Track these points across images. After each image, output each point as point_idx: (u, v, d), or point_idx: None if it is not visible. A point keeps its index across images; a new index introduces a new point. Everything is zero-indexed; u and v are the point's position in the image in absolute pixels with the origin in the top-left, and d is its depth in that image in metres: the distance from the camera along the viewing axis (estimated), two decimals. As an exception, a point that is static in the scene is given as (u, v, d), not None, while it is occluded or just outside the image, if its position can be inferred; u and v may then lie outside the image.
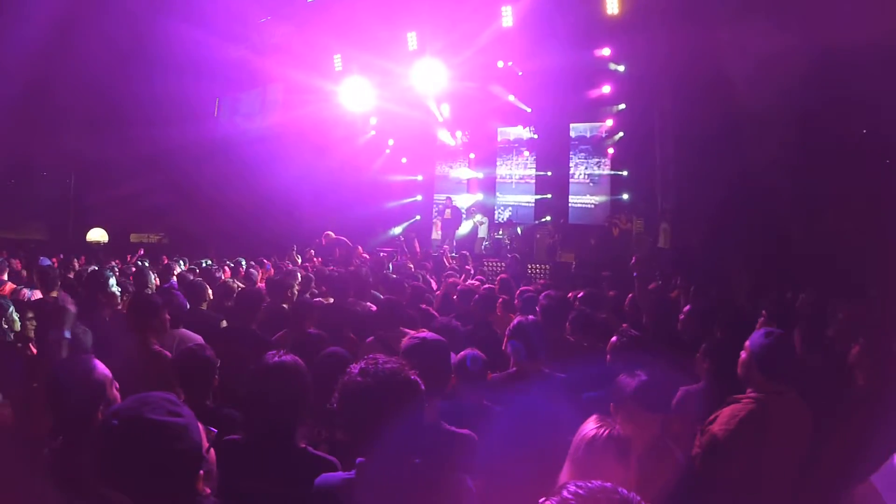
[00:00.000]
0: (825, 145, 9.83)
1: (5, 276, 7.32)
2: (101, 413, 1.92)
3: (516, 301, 6.13)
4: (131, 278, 7.31)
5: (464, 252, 12.78)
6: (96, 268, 8.33)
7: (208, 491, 1.68)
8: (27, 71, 15.66)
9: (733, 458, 2.95)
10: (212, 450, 1.80)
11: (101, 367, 2.50)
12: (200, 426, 1.69)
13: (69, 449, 2.27)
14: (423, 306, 5.92)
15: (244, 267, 9.60)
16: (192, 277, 7.05)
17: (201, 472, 1.61)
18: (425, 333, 2.99)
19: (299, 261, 11.74)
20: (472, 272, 10.34)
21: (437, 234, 18.87)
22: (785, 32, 9.13)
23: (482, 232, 17.63)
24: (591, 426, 2.34)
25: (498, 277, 8.28)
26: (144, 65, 17.10)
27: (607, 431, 2.28)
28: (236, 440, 2.55)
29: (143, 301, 4.36)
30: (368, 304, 6.14)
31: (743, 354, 3.19)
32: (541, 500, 2.29)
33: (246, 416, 2.69)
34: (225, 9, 16.42)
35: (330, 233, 13.29)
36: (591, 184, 18.14)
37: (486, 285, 6.83)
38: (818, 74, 9.30)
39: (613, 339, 3.79)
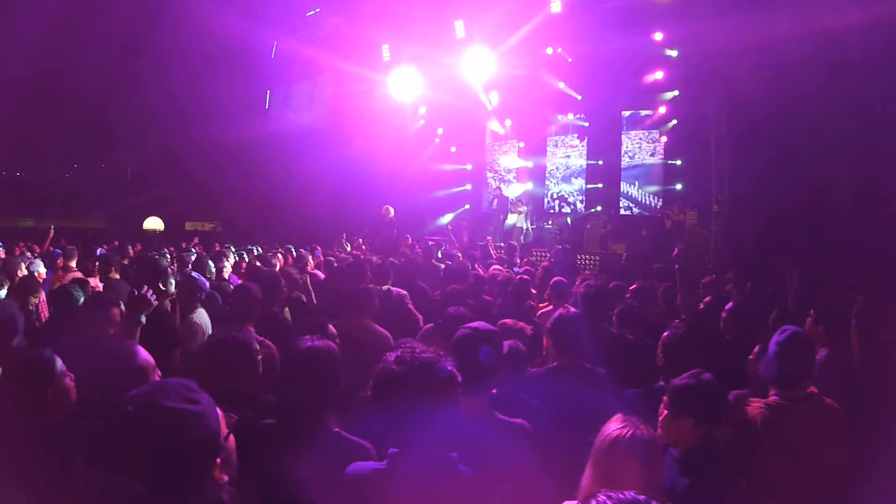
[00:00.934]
0: (883, 137, 9.30)
1: (73, 264, 7.53)
2: None
3: (547, 292, 6.06)
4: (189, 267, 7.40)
5: (511, 242, 12.68)
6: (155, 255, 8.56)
7: (226, 479, 1.66)
8: (82, 68, 16.27)
9: (743, 462, 2.85)
10: (231, 437, 1.78)
11: (144, 354, 2.51)
12: (220, 413, 1.67)
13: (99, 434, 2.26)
14: (486, 297, 5.90)
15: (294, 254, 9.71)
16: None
17: (218, 460, 1.59)
18: (478, 324, 2.94)
19: (348, 248, 11.86)
20: (519, 262, 10.26)
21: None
22: (845, 12, 8.68)
23: (520, 222, 17.37)
24: (613, 426, 2.23)
25: (541, 265, 8.19)
26: (197, 60, 17.53)
27: (630, 432, 2.16)
28: (271, 424, 2.57)
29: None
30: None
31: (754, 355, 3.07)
32: None
33: (279, 400, 2.70)
34: (275, 3, 16.68)
35: (389, 207, 13.37)
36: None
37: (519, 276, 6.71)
38: (876, 57, 8.81)
39: (665, 334, 3.64)
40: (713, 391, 2.73)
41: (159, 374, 2.54)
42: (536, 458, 2.65)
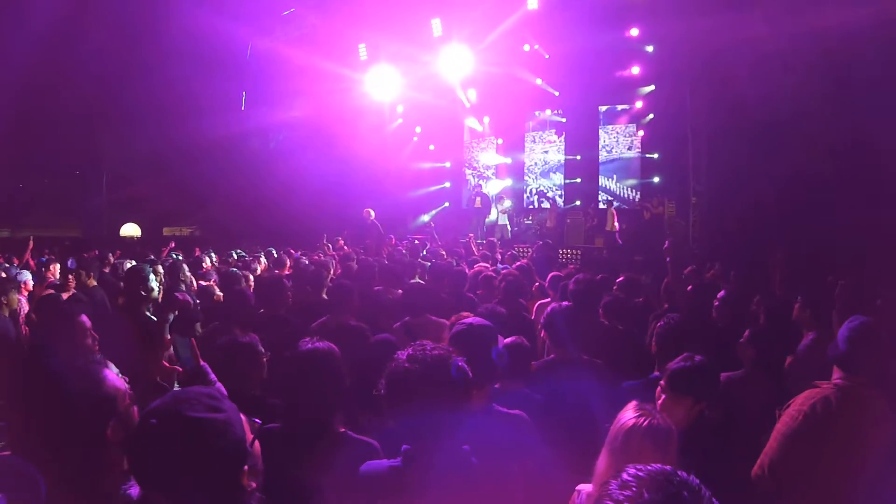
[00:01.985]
0: (864, 126, 9.50)
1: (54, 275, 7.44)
2: (111, 429, 1.79)
3: (535, 286, 6.11)
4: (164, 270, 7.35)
5: (491, 239, 12.73)
6: (134, 262, 8.44)
7: (254, 485, 1.63)
8: (56, 70, 15.98)
9: (802, 440, 2.88)
10: (256, 443, 1.76)
11: (113, 378, 2.36)
12: (244, 418, 1.62)
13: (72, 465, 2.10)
14: (470, 294, 5.92)
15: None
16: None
17: (245, 467, 1.54)
18: (472, 319, 2.97)
19: (330, 249, 11.81)
20: (501, 259, 10.29)
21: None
22: (818, 7, 8.85)
23: (502, 219, 17.46)
24: (629, 414, 2.23)
25: (515, 265, 8.21)
26: (173, 60, 17.31)
27: (647, 421, 2.18)
28: (276, 428, 2.57)
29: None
30: (400, 291, 6.15)
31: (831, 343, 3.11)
32: (579, 487, 2.29)
33: (284, 403, 2.70)
34: (251, 2, 16.53)
35: (370, 210, 13.34)
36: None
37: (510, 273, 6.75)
38: (852, 52, 9.00)
39: (659, 323, 3.70)
40: (708, 370, 2.85)
41: (130, 397, 2.38)
42: (540, 447, 2.71)
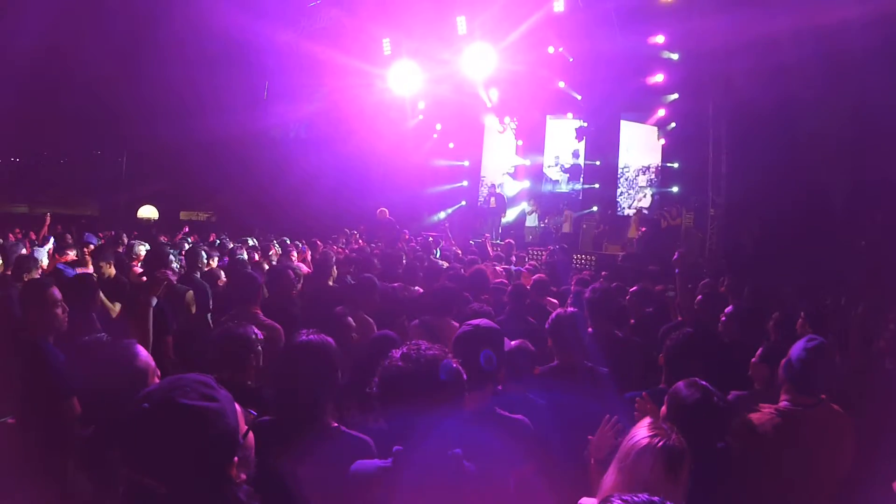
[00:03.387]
0: (882, 140, 9.32)
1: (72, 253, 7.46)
2: None
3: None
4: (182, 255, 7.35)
5: (509, 240, 12.67)
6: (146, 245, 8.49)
7: (243, 477, 1.62)
8: (80, 55, 16.17)
9: (751, 467, 2.84)
10: (251, 434, 1.76)
11: (145, 355, 2.45)
12: (239, 409, 1.63)
13: (101, 439, 2.23)
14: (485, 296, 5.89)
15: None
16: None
17: (235, 458, 1.55)
18: (479, 321, 2.93)
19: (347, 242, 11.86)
20: (515, 260, 10.24)
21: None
22: (845, 14, 8.70)
23: (531, 221, 17.40)
24: (643, 433, 2.13)
25: (524, 268, 8.17)
26: (195, 51, 17.43)
27: (661, 442, 2.07)
28: (268, 421, 2.55)
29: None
30: (417, 288, 6.14)
31: (783, 361, 3.06)
32: (582, 501, 2.24)
33: (276, 395, 2.67)
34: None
35: (384, 209, 13.35)
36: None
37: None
38: (875, 57, 8.84)
39: (668, 337, 3.62)
40: (714, 408, 2.60)
41: (159, 374, 2.48)
42: (539, 454, 2.66)
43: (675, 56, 14.38)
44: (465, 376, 2.14)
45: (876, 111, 9.24)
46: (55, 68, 16.73)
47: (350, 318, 4.12)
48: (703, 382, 2.69)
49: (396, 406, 2.05)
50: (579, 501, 2.25)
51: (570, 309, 4.01)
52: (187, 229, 11.68)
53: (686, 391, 2.62)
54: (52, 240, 8.30)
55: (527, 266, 7.91)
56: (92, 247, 7.22)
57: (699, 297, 5.13)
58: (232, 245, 9.37)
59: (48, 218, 9.52)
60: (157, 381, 2.40)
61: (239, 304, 4.43)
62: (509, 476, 2.22)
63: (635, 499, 1.21)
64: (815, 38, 9.19)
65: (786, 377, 3.00)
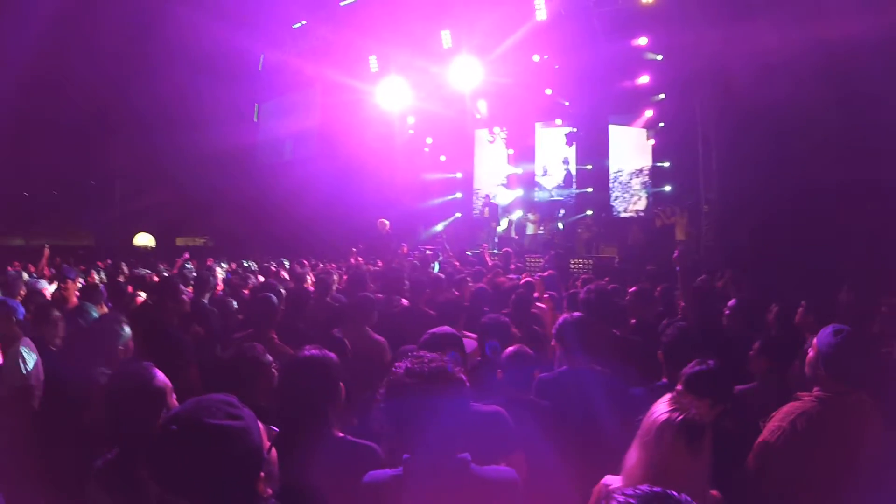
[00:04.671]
0: (874, 134, 9.42)
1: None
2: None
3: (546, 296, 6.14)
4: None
5: (507, 249, 12.71)
6: (147, 272, 8.50)
7: (269, 492, 1.66)
8: (67, 79, 16.22)
9: (783, 456, 2.85)
10: (273, 450, 1.80)
11: (161, 376, 2.51)
12: (261, 426, 1.68)
13: (126, 460, 2.27)
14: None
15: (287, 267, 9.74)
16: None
17: (262, 473, 1.60)
18: (437, 329, 3.09)
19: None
20: (514, 269, 10.29)
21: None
22: (828, 17, 8.82)
23: (531, 229, 17.39)
24: (663, 408, 2.11)
25: (523, 278, 8.20)
26: (185, 71, 17.54)
27: (681, 417, 2.05)
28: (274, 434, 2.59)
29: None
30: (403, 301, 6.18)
31: (811, 352, 3.06)
32: (605, 480, 2.27)
33: (280, 410, 2.72)
34: (262, 14, 16.73)
35: (385, 221, 13.37)
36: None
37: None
38: (864, 55, 8.94)
39: (666, 333, 3.67)
40: (724, 372, 2.88)
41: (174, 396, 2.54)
42: (521, 441, 2.80)
43: (658, 57, 14.52)
44: (468, 384, 2.20)
45: (866, 104, 9.36)
46: (42, 94, 16.78)
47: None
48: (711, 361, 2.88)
49: (403, 417, 2.10)
50: (602, 480, 2.29)
51: (576, 314, 4.06)
52: (187, 255, 11.69)
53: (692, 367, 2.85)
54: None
55: (537, 276, 7.92)
56: (70, 282, 7.19)
57: (696, 292, 5.18)
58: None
59: (46, 250, 9.49)
60: (174, 400, 2.48)
61: (254, 326, 4.50)
62: (513, 476, 2.25)
63: (637, 491, 1.25)
64: (802, 37, 9.29)
65: (817, 368, 2.99)
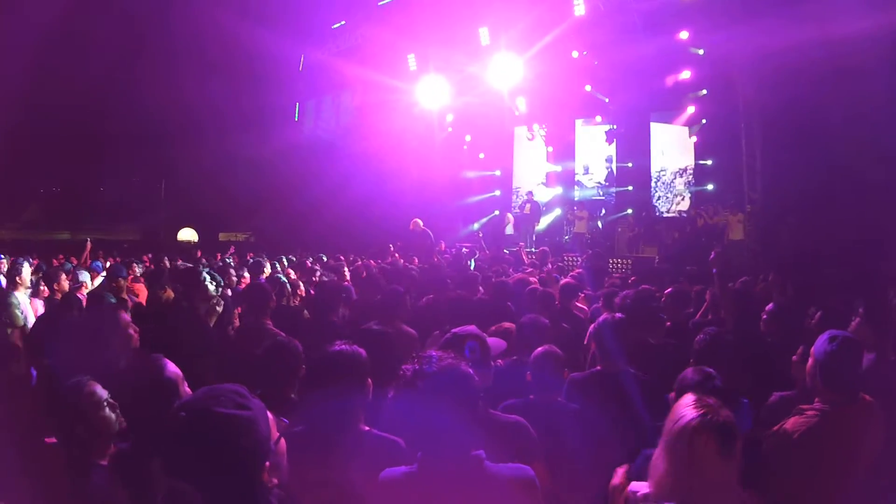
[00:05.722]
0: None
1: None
2: None
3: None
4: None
5: (544, 248, 12.61)
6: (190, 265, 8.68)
7: (275, 482, 1.70)
8: (122, 83, 16.76)
9: (791, 471, 2.80)
10: (282, 441, 1.83)
11: (172, 367, 2.56)
12: (271, 416, 1.72)
13: (139, 450, 2.33)
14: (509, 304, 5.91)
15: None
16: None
17: (267, 463, 1.63)
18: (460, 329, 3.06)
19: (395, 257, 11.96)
20: (551, 268, 10.20)
21: (510, 230, 18.44)
22: (885, 10, 8.51)
23: (579, 226, 17.14)
24: (690, 412, 1.99)
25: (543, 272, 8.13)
26: (229, 73, 17.91)
27: (712, 418, 1.95)
28: (302, 429, 2.63)
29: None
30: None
31: (809, 361, 2.98)
32: (632, 487, 2.23)
33: (310, 403, 2.75)
34: (302, 16, 16.97)
35: (418, 220, 13.44)
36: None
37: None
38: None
39: (699, 337, 3.58)
40: (722, 384, 2.71)
41: (186, 385, 2.58)
42: (539, 453, 2.76)
43: (700, 52, 14.19)
44: (479, 381, 2.20)
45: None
46: (93, 96, 17.35)
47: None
48: (708, 369, 2.76)
49: (415, 413, 2.10)
50: (629, 487, 2.24)
51: (618, 315, 4.00)
52: (233, 250, 11.90)
53: (690, 375, 2.71)
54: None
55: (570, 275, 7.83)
56: (94, 273, 7.44)
57: (733, 295, 5.02)
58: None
59: (89, 243, 9.80)
60: (187, 389, 2.52)
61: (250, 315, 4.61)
62: (528, 473, 2.24)
63: None
64: (840, 30, 8.99)
65: (815, 378, 2.93)
